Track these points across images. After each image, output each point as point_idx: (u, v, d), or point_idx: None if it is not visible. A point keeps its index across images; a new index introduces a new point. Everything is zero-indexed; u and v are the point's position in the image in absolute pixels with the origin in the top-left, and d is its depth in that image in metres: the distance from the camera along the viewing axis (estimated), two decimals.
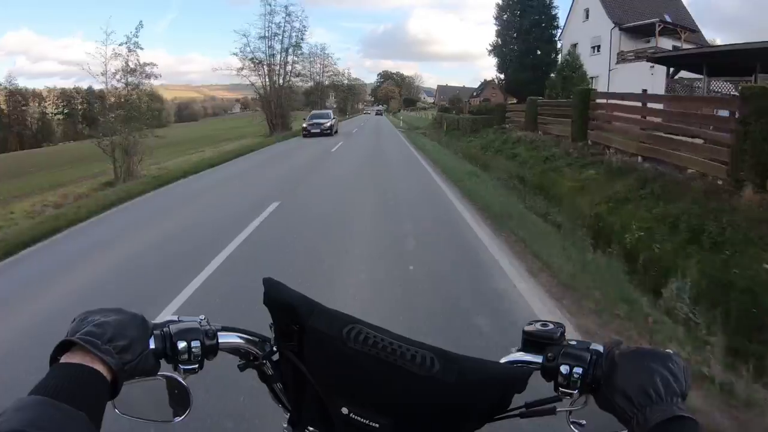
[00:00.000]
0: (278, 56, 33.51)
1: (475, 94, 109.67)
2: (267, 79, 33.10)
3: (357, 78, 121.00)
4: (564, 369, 0.62)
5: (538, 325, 0.68)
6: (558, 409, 0.65)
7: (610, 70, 26.49)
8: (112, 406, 0.60)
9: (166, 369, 0.65)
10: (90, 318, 0.60)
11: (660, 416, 0.53)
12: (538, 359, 0.65)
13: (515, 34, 33.28)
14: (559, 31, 33.30)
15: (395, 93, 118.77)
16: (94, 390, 0.54)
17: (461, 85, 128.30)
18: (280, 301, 0.67)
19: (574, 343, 0.64)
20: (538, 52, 32.83)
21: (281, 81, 33.60)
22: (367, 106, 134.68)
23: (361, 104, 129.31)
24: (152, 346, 0.62)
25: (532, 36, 32.55)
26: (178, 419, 0.67)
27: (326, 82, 52.30)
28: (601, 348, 0.62)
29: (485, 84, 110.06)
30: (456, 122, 25.18)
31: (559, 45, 32.82)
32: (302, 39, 34.40)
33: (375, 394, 0.63)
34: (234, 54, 34.16)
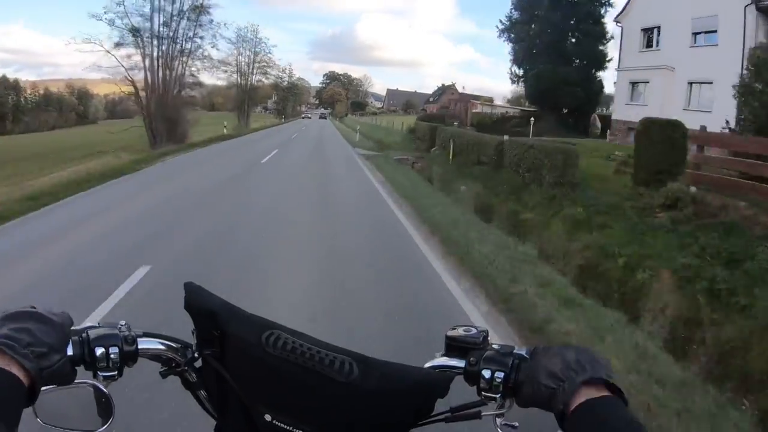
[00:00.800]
0: (170, 27, 22.30)
1: (431, 99, 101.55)
2: (148, 63, 21.94)
3: (302, 78, 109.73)
4: (486, 373, 0.62)
5: (461, 330, 0.68)
6: (483, 413, 0.65)
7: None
8: (34, 414, 0.58)
9: (86, 376, 0.63)
10: (5, 323, 0.57)
11: (583, 378, 0.54)
12: (461, 364, 0.65)
13: (541, 12, 22.75)
14: (612, 9, 22.35)
15: (342, 96, 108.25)
16: (11, 394, 0.52)
17: (412, 90, 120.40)
18: (201, 307, 0.65)
19: (497, 347, 0.65)
20: (574, 39, 22.52)
21: (171, 69, 22.46)
22: (311, 108, 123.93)
23: (304, 106, 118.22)
24: (70, 352, 0.61)
25: (569, 15, 22.28)
26: (101, 429, 0.65)
27: (257, 77, 40.36)
28: (523, 351, 0.63)
29: (443, 89, 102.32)
30: (472, 147, 12.38)
31: (612, 27, 22.22)
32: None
33: (296, 400, 0.62)
34: (94, 16, 22.02)
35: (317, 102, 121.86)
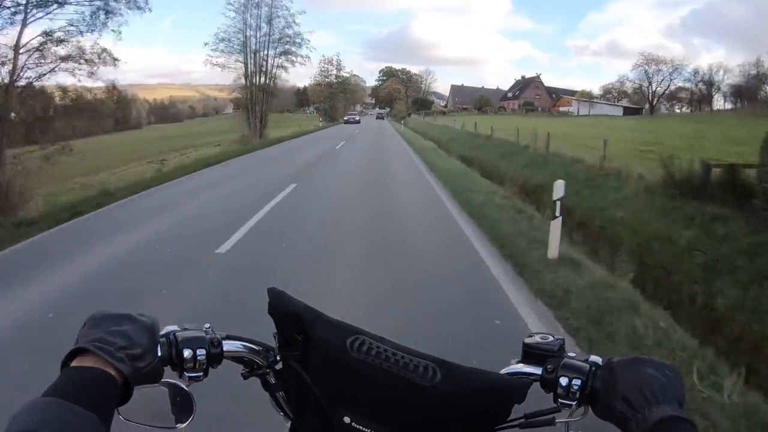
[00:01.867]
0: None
1: (510, 95, 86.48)
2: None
3: (356, 75, 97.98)
4: (563, 380, 0.62)
5: (537, 338, 0.68)
6: (557, 420, 0.65)
7: None
8: (116, 411, 0.59)
9: (170, 376, 0.65)
10: (102, 324, 0.60)
11: (658, 415, 0.54)
12: (538, 371, 0.66)
13: None
14: None
15: (401, 93, 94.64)
16: (107, 394, 0.54)
17: (478, 86, 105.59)
18: (285, 311, 0.67)
19: (573, 355, 0.66)
20: None
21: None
22: (367, 108, 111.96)
23: (359, 106, 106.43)
24: (159, 353, 0.63)
25: None
26: (181, 426, 0.67)
27: (277, 60, 26.92)
28: (599, 360, 0.64)
29: (524, 83, 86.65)
30: None
31: None
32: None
33: (377, 404, 0.63)
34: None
35: (373, 101, 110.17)
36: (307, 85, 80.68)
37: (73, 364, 0.55)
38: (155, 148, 23.11)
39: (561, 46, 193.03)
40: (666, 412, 0.55)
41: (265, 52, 25.84)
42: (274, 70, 26.51)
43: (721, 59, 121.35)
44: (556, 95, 79.83)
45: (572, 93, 76.59)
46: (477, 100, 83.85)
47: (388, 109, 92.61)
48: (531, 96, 79.57)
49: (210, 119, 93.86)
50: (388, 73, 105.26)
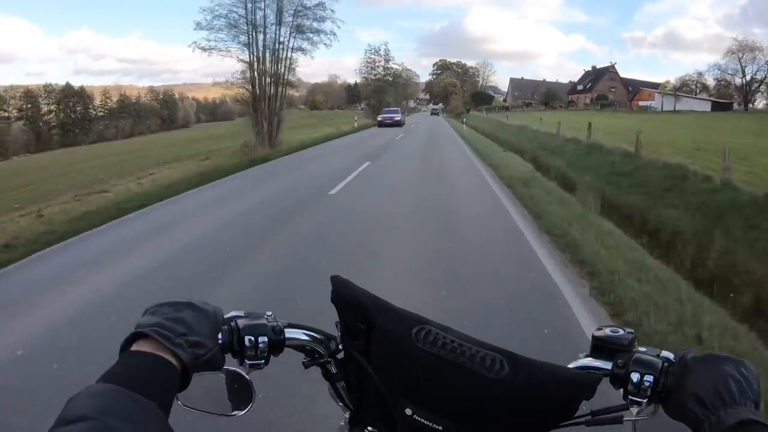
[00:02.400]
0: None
1: (581, 87, 77.40)
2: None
3: (408, 68, 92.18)
4: (635, 376, 0.60)
5: (607, 331, 0.66)
6: (624, 419, 0.62)
7: None
8: (175, 398, 0.58)
9: (230, 363, 0.64)
10: (162, 311, 0.59)
11: (734, 418, 0.52)
12: (607, 366, 0.63)
13: None
14: None
15: (457, 87, 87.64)
16: (166, 381, 0.54)
17: (539, 79, 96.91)
18: (349, 299, 0.66)
19: (644, 349, 0.63)
20: None
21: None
22: (421, 104, 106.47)
23: (411, 101, 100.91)
24: (220, 340, 0.62)
25: None
26: (239, 413, 0.66)
27: (295, 42, 20.00)
28: (671, 355, 0.61)
29: (596, 73, 77.10)
30: None
31: None
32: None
33: (442, 395, 0.61)
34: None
35: (428, 96, 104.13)
36: (357, 81, 75.27)
37: (132, 348, 0.54)
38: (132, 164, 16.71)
39: (617, 38, 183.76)
40: (743, 415, 0.52)
41: (276, 30, 18.51)
42: (289, 54, 18.98)
43: None
44: (633, 87, 70.20)
45: (653, 86, 66.83)
46: (543, 94, 75.24)
47: (443, 105, 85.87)
48: (605, 89, 70.02)
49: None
50: (442, 67, 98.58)
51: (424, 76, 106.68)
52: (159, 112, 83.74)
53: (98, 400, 0.46)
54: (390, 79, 63.84)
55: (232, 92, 19.29)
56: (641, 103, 61.67)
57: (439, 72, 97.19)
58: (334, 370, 0.70)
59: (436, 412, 0.61)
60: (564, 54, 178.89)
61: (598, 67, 77.26)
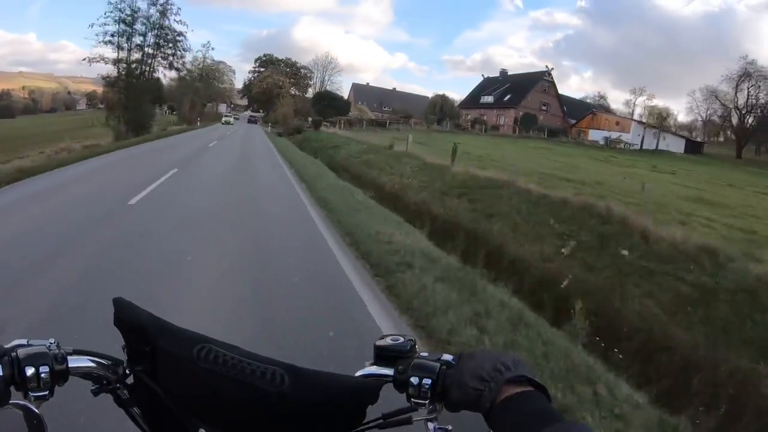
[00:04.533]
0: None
1: (488, 99, 56.71)
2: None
3: (222, 61, 67.04)
4: (414, 380, 0.63)
5: (389, 340, 0.68)
6: (415, 419, 0.66)
7: None
8: None
9: (17, 397, 0.60)
10: None
11: (508, 376, 0.56)
12: (391, 372, 0.66)
13: None
14: None
15: (284, 86, 64.01)
16: None
17: (388, 88, 79.72)
18: (130, 322, 0.64)
19: (425, 354, 0.66)
20: None
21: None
22: (237, 110, 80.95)
23: (225, 107, 74.99)
24: (1, 373, 0.58)
25: None
26: None
27: None
28: (450, 358, 0.64)
29: (518, 82, 53.70)
30: None
31: None
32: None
33: (230, 413, 0.62)
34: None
35: (246, 102, 79.79)
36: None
37: None
38: None
39: (436, 59, 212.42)
40: (517, 372, 0.55)
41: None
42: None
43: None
44: (571, 108, 54.66)
45: (606, 109, 53.79)
46: (430, 105, 52.26)
47: (262, 112, 62.45)
48: (535, 105, 51.69)
49: (50, 115, 77.03)
50: (267, 62, 75.00)
51: (242, 80, 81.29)
52: None
53: None
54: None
55: None
56: (596, 134, 46.50)
57: (261, 68, 73.32)
58: (125, 395, 0.67)
59: (229, 429, 0.61)
60: (387, 71, 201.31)
61: (520, 73, 59.57)
